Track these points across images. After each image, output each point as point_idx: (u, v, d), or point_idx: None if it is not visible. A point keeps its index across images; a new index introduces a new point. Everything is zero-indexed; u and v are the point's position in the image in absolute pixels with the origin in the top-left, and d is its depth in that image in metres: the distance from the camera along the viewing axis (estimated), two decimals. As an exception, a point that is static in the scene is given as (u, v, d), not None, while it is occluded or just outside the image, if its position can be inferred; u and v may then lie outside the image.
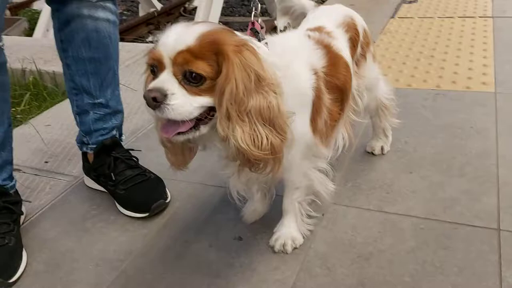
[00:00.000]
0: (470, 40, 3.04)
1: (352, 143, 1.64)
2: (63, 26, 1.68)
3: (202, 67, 1.05)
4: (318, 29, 1.48)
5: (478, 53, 2.83)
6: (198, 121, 1.13)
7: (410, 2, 3.99)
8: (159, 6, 6.98)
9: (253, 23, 1.31)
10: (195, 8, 7.15)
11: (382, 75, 1.82)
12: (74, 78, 1.74)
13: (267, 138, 1.08)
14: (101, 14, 1.66)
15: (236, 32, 1.16)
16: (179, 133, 1.12)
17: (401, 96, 2.02)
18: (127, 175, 1.75)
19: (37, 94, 3.00)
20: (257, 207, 1.62)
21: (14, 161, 2.14)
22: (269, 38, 1.32)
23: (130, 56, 3.30)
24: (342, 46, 1.50)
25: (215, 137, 1.15)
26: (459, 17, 3.52)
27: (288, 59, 1.23)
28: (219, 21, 5.53)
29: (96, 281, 1.46)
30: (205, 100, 1.09)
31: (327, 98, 1.38)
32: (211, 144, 1.25)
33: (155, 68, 1.10)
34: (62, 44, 1.72)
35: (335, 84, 1.43)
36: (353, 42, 1.58)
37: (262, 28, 1.31)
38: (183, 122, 1.10)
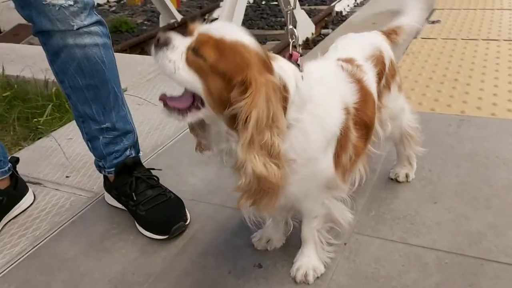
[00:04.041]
0: (495, 64, 2.99)
1: (372, 168, 1.62)
2: (54, 58, 1.66)
3: (209, 53, 1.07)
4: (350, 61, 1.46)
5: (503, 78, 2.79)
6: (188, 108, 1.16)
7: (433, 23, 3.96)
8: (179, 17, 7.05)
9: (291, 55, 1.29)
10: (215, 20, 7.22)
11: (407, 105, 1.79)
12: (77, 107, 1.74)
13: (274, 168, 1.10)
14: (87, 40, 1.62)
15: (277, 56, 1.18)
16: (173, 108, 1.16)
17: (425, 121, 1.99)
18: (148, 195, 1.75)
19: (59, 105, 3.02)
20: (272, 237, 1.60)
21: (35, 175, 2.18)
22: (308, 67, 1.31)
23: (152, 70, 3.32)
24: (371, 81, 1.49)
25: (219, 143, 1.20)
26: (483, 39, 3.48)
27: (325, 98, 1.25)
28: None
29: (115, 305, 1.46)
30: (192, 78, 1.10)
31: (354, 135, 1.37)
32: (217, 150, 1.25)
33: (188, 33, 1.15)
34: (58, 76, 1.71)
35: (364, 121, 1.42)
36: (380, 76, 1.56)
37: (301, 55, 1.30)
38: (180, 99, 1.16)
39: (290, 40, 1.36)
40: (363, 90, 1.40)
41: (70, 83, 1.69)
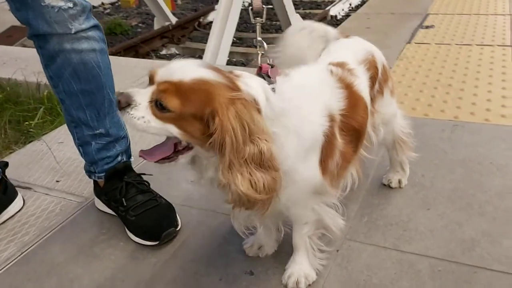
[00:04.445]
0: (489, 70, 2.99)
1: (365, 174, 1.61)
2: (49, 62, 1.63)
3: (172, 104, 1.09)
4: (341, 65, 1.45)
5: (497, 83, 2.79)
6: (176, 152, 1.20)
7: (427, 27, 3.96)
8: (174, 20, 7.03)
9: (260, 68, 1.28)
10: (209, 23, 7.20)
11: (399, 110, 1.78)
12: (71, 112, 1.71)
13: (263, 181, 1.12)
14: (84, 45, 1.60)
15: (242, 73, 1.19)
16: (161, 160, 1.21)
17: (418, 126, 1.98)
18: (138, 201, 1.73)
19: (51, 108, 3.00)
20: (264, 243, 1.59)
21: (26, 179, 2.15)
22: (294, 74, 1.33)
23: (146, 73, 3.29)
24: (363, 86, 1.48)
25: (207, 171, 1.22)
26: (477, 45, 3.48)
27: (303, 104, 1.25)
28: (234, 37, 5.53)
29: (103, 312, 1.43)
30: (165, 127, 1.12)
31: (340, 142, 1.36)
32: (205, 178, 1.25)
33: (149, 80, 1.17)
34: (52, 81, 1.68)
35: (352, 126, 1.41)
36: (373, 80, 1.55)
37: (272, 67, 1.29)
38: (162, 148, 1.21)
39: (258, 52, 1.35)
40: (352, 95, 1.39)
41: (65, 88, 1.66)
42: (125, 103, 1.12)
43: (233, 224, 1.45)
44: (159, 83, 1.12)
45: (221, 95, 1.09)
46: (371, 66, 1.54)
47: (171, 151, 1.20)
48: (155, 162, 1.22)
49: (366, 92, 1.49)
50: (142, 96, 1.12)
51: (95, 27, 1.63)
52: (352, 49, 1.57)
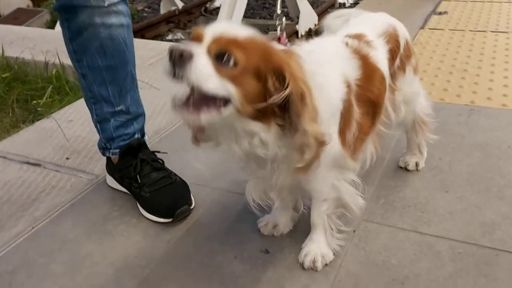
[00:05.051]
0: (504, 56, 2.94)
1: (381, 156, 1.58)
2: (75, 36, 1.59)
3: (239, 55, 1.04)
4: (358, 36, 1.43)
5: (513, 69, 2.74)
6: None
7: (440, 14, 3.90)
8: (180, 4, 6.95)
9: (279, 38, 1.27)
10: (216, 8, 7.12)
11: (422, 89, 1.74)
12: (92, 88, 1.68)
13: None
14: (114, 20, 1.57)
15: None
16: (201, 113, 1.07)
17: (434, 110, 1.94)
18: (152, 178, 1.70)
19: (59, 87, 2.97)
20: (279, 222, 1.56)
21: (35, 156, 2.12)
22: (306, 45, 1.31)
23: (154, 54, 3.25)
24: (380, 57, 1.44)
25: (231, 135, 1.15)
26: (491, 31, 3.42)
27: (324, 69, 1.22)
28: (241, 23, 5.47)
29: (117, 288, 1.41)
30: (223, 84, 1.04)
31: (357, 111, 1.33)
32: (226, 143, 1.19)
33: (194, 39, 1.09)
34: (75, 55, 1.64)
35: (368, 97, 1.38)
36: (393, 54, 1.52)
37: (287, 42, 1.28)
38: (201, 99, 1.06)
39: (277, 24, 1.35)
40: (368, 66, 1.36)
41: (89, 63, 1.62)
42: (189, 55, 1.02)
43: (248, 199, 1.41)
44: (216, 39, 1.05)
45: (277, 50, 1.07)
46: (391, 39, 1.51)
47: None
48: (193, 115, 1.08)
49: (385, 64, 1.45)
50: (200, 50, 1.04)
51: (124, 0, 1.60)
52: (373, 22, 1.54)
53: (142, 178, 1.69)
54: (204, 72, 1.02)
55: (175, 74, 1.02)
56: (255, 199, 1.42)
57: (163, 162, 1.79)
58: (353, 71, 1.33)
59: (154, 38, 6.16)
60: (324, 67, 1.22)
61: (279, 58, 1.07)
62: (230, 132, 1.16)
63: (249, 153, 1.18)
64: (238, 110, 1.08)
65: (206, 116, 1.07)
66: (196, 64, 1.02)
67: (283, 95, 1.06)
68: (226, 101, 1.07)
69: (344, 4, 7.21)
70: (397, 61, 1.55)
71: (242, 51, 1.04)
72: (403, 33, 1.58)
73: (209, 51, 1.04)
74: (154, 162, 1.74)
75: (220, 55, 1.04)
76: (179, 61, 1.01)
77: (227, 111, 1.08)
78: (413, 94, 1.66)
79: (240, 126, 1.13)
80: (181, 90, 1.09)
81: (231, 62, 1.04)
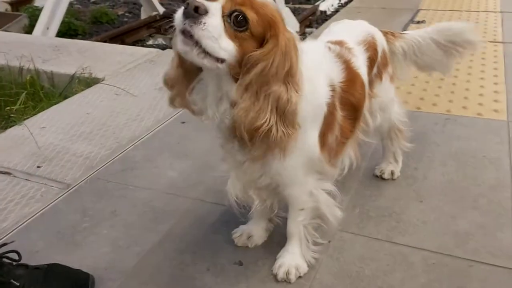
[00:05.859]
0: (481, 65, 2.97)
1: (359, 164, 1.58)
2: None
3: (251, 16, 1.04)
4: (339, 43, 1.43)
5: (489, 79, 2.76)
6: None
7: (418, 23, 3.93)
8: (161, 9, 6.91)
9: None
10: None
11: (397, 97, 1.75)
12: None
13: (270, 125, 1.07)
14: None
15: None
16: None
17: (410, 119, 1.94)
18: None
19: (34, 93, 2.90)
20: (254, 233, 1.54)
21: (5, 164, 2.06)
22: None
23: (132, 60, 3.21)
24: (360, 64, 1.45)
25: (220, 104, 1.15)
26: (468, 40, 3.46)
27: (312, 72, 1.21)
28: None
29: (84, 302, 1.36)
30: (231, 45, 1.05)
31: (340, 114, 1.33)
32: (208, 110, 1.18)
33: None
34: None
35: (350, 101, 1.38)
36: (371, 62, 1.53)
37: None
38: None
39: None
40: (350, 71, 1.37)
41: None
42: (204, 11, 1.00)
43: (229, 198, 1.37)
44: None
45: (282, 23, 1.08)
46: (370, 47, 1.52)
47: None
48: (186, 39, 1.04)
49: (364, 71, 1.46)
50: (217, 7, 1.03)
51: None
52: (353, 30, 1.55)
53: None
54: (214, 33, 1.02)
55: (184, 26, 1.02)
56: (235, 197, 1.38)
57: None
58: (337, 74, 1.34)
59: (135, 43, 6.11)
60: (310, 70, 1.21)
61: (279, 28, 1.07)
62: (217, 90, 1.15)
63: (222, 121, 1.17)
64: (230, 68, 1.09)
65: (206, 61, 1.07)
66: (208, 23, 1.01)
67: (261, 52, 1.06)
68: (223, 60, 1.07)
69: (325, 12, 7.26)
70: (375, 69, 1.56)
71: (255, 13, 1.04)
72: (381, 42, 1.59)
73: (224, 8, 1.04)
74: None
75: (233, 14, 1.04)
76: (193, 14, 1.01)
77: (221, 66, 1.08)
78: (389, 101, 1.67)
79: (225, 84, 1.13)
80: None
81: (242, 23, 1.04)
